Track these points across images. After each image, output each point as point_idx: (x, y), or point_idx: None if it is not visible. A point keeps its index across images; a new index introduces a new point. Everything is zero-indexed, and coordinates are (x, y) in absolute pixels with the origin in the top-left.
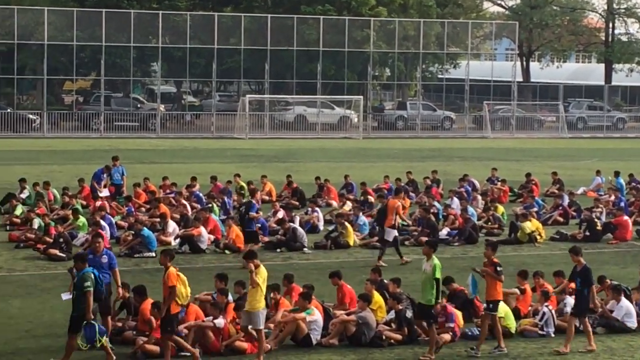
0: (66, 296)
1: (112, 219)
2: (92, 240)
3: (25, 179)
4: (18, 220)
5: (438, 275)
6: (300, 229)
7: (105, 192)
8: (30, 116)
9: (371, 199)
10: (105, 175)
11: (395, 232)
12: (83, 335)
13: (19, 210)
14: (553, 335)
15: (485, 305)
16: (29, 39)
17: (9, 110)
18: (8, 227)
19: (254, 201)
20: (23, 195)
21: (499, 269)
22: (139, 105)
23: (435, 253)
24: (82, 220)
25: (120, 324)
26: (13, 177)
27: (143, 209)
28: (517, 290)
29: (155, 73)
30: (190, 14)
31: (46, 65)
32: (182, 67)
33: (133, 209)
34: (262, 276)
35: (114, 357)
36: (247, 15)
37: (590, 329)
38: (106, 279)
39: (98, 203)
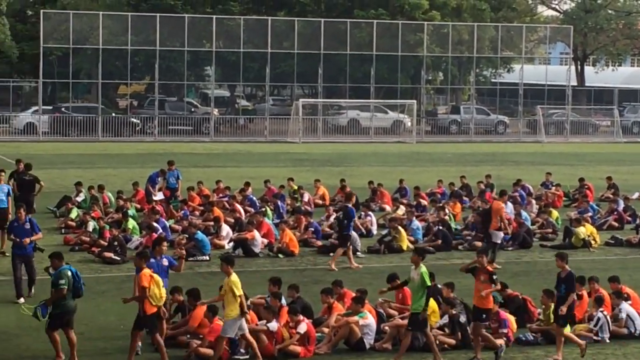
0: None
1: (165, 222)
2: (155, 244)
3: (81, 182)
4: (73, 224)
5: (428, 282)
6: (353, 233)
7: (159, 196)
8: (133, 120)
9: (424, 202)
10: (160, 179)
11: (502, 234)
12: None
13: (74, 213)
14: (608, 341)
15: (475, 313)
16: (84, 43)
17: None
18: (63, 230)
19: (350, 205)
20: (79, 199)
21: (494, 277)
22: (192, 110)
23: (423, 261)
24: (131, 223)
25: (171, 326)
26: (68, 180)
27: (197, 213)
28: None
29: (209, 77)
30: (243, 18)
31: (101, 69)
32: (235, 71)
33: (188, 213)
34: (234, 285)
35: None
36: (300, 19)
37: (562, 340)
38: (166, 283)
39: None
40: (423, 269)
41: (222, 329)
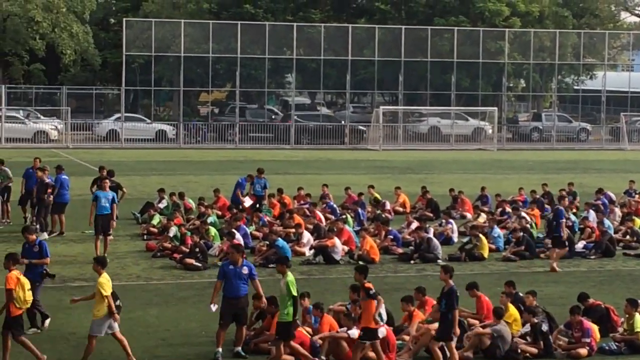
0: (214, 307)
1: (246, 229)
2: (232, 252)
3: (163, 189)
4: (155, 230)
5: (294, 292)
6: (435, 240)
7: (247, 201)
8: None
9: (507, 209)
10: (247, 184)
11: None
12: None
13: (156, 219)
14: None
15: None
16: (165, 51)
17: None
18: (145, 237)
19: (560, 207)
20: (161, 205)
21: (371, 292)
22: (273, 117)
23: (290, 269)
24: (211, 230)
25: (252, 333)
26: (150, 187)
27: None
28: None
29: (290, 84)
30: (324, 25)
31: (182, 76)
32: (316, 78)
33: (265, 220)
34: (101, 286)
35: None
36: (381, 26)
37: (456, 356)
38: (244, 289)
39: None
40: (289, 278)
41: (90, 327)
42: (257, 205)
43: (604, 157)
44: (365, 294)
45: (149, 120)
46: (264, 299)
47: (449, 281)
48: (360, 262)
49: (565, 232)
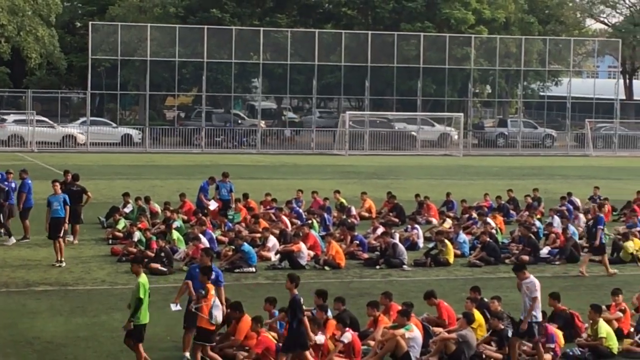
0: (175, 307)
1: (212, 234)
2: (201, 256)
3: (128, 193)
4: (120, 234)
5: (140, 294)
6: (400, 246)
7: (213, 205)
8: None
9: (474, 215)
10: (211, 187)
11: None
12: None
13: (121, 224)
14: None
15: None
16: (132, 55)
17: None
18: (111, 241)
19: (602, 215)
20: (126, 210)
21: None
22: (239, 121)
23: (142, 273)
24: (175, 234)
25: (217, 339)
26: (116, 191)
27: (243, 224)
28: (620, 314)
29: (256, 89)
30: (291, 30)
31: (148, 80)
32: (282, 83)
33: (231, 225)
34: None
35: None
36: (347, 32)
37: None
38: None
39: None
40: (141, 279)
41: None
42: (224, 210)
43: (569, 163)
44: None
45: (114, 125)
46: (224, 308)
47: (293, 290)
48: (326, 268)
49: (598, 239)
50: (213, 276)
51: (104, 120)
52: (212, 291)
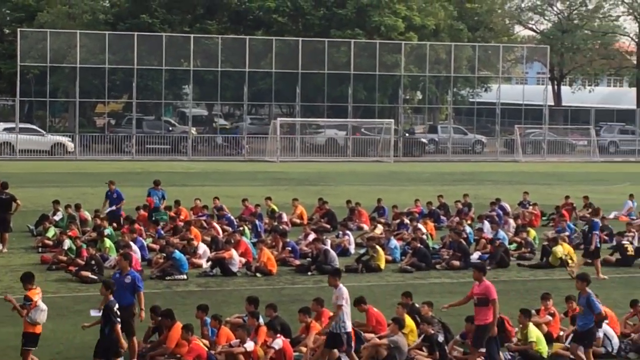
0: (95, 312)
1: (143, 241)
2: (119, 260)
3: (58, 200)
4: (50, 242)
5: None
6: (332, 252)
7: (108, 209)
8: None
9: (405, 221)
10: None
11: None
12: None
13: (51, 232)
14: (615, 354)
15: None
16: (61, 61)
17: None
18: (40, 249)
19: (596, 219)
20: (56, 217)
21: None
22: (170, 128)
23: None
24: (107, 242)
25: (148, 346)
26: (46, 199)
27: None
28: (549, 318)
29: (187, 96)
30: (221, 37)
31: (78, 88)
32: (213, 90)
33: (163, 232)
34: None
35: None
36: (278, 38)
37: None
38: (126, 299)
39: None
40: None
41: None
42: (152, 217)
43: (498, 168)
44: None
45: (43, 132)
46: (143, 314)
47: (108, 296)
48: (258, 274)
49: (593, 244)
50: (129, 280)
51: (33, 128)
52: (36, 297)
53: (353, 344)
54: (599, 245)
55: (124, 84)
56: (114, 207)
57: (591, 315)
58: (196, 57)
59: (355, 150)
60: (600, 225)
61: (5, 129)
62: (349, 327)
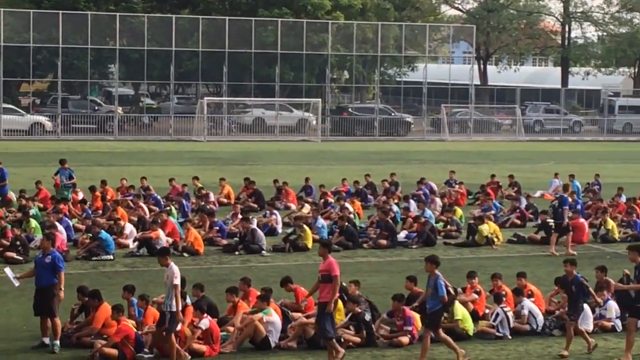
0: (12, 277)
1: (69, 221)
2: (42, 241)
3: None
4: None
5: None
6: (259, 231)
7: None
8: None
9: (331, 200)
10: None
11: None
12: None
13: None
14: (510, 337)
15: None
16: None
17: None
18: None
19: (566, 195)
20: None
21: None
22: (96, 108)
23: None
24: (32, 222)
25: (74, 327)
26: None
27: (99, 212)
28: (475, 296)
29: (113, 75)
30: (147, 16)
31: (2, 67)
32: (139, 69)
33: (90, 212)
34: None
35: None
36: (204, 17)
37: None
38: (47, 279)
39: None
40: None
41: None
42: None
43: (425, 148)
44: None
45: None
46: (62, 293)
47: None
48: (185, 254)
49: (565, 219)
50: (49, 260)
51: None
52: None
53: (176, 327)
54: (568, 221)
55: (49, 63)
56: None
57: (438, 299)
58: (122, 36)
59: (283, 129)
60: (526, 203)
61: None
62: (174, 307)
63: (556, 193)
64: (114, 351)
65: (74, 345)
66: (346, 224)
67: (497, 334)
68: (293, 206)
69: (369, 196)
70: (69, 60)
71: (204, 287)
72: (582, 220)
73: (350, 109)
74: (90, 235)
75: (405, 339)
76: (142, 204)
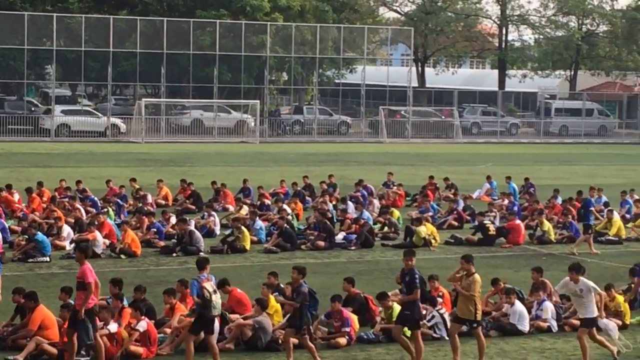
0: None
1: (5, 223)
2: None
3: None
4: None
5: None
6: (197, 233)
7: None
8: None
9: (268, 202)
10: None
11: None
12: None
13: None
14: (447, 338)
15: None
16: None
17: None
18: None
19: (590, 197)
20: None
21: None
22: (33, 109)
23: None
24: None
25: (10, 329)
26: None
27: (37, 213)
28: (439, 300)
29: (50, 76)
30: (85, 16)
31: None
32: (77, 70)
33: (27, 214)
34: None
35: None
36: (142, 18)
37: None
38: None
39: None
40: None
41: None
42: None
43: (363, 149)
44: None
45: None
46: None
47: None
48: (122, 256)
49: (593, 219)
50: None
51: None
52: None
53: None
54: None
55: None
56: None
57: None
58: (59, 36)
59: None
60: (463, 205)
61: None
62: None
63: (491, 194)
64: (53, 349)
65: (9, 347)
66: (285, 225)
67: (435, 335)
68: (231, 208)
69: (307, 198)
70: (5, 60)
71: (145, 289)
72: (518, 221)
73: (402, 112)
74: (27, 237)
75: (343, 340)
76: (78, 205)
